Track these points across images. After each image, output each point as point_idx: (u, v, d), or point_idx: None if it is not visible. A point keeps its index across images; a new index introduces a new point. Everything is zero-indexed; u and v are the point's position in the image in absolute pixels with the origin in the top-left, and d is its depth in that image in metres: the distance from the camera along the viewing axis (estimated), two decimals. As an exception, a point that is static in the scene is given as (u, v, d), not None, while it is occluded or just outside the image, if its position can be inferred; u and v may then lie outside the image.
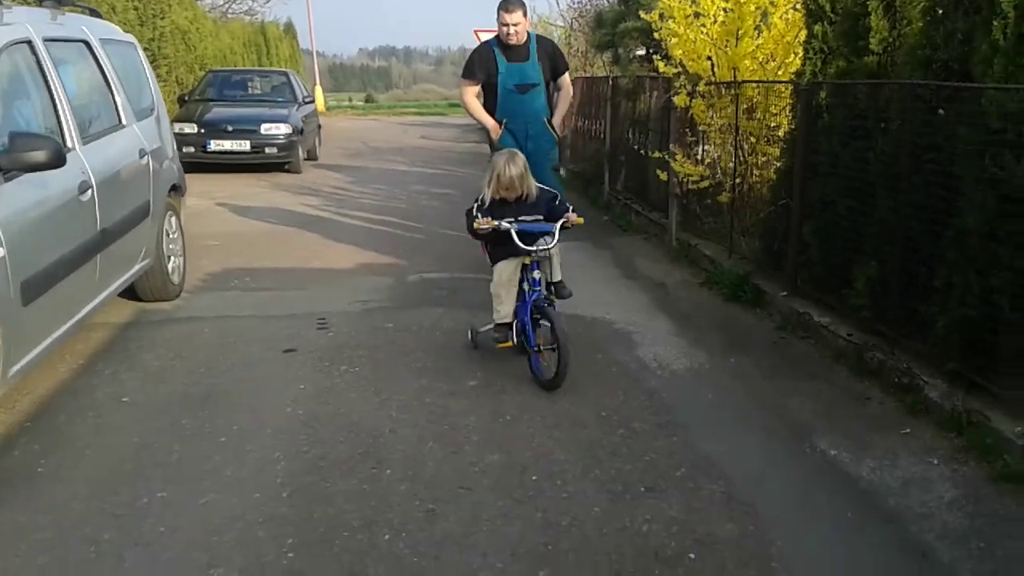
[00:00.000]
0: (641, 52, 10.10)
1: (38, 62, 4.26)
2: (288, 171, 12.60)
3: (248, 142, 12.32)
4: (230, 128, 12.35)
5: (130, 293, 5.44)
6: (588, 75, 11.98)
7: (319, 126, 15.40)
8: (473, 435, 3.67)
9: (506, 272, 4.30)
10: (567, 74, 6.28)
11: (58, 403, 4.03)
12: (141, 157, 5.26)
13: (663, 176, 7.13)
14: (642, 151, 7.97)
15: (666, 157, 6.95)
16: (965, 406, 3.55)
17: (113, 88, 5.22)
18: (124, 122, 5.23)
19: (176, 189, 6.01)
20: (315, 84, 27.57)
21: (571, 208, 4.33)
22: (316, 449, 3.54)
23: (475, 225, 4.23)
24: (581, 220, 4.30)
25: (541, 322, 4.20)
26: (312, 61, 31.74)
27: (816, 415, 3.83)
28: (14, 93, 4.03)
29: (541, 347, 4.17)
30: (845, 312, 4.64)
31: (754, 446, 3.57)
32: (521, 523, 2.96)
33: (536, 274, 4.25)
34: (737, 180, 6.28)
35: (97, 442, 3.62)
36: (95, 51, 5.14)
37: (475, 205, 4.34)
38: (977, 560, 2.72)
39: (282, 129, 12.56)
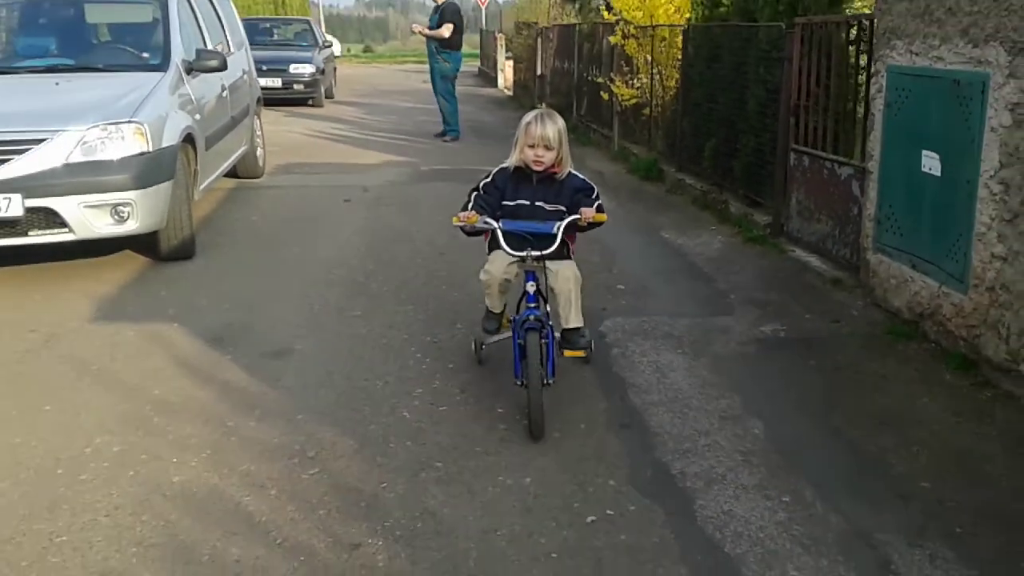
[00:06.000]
0: (602, 2, 12.55)
1: (191, 6, 6.81)
2: (312, 105, 15.07)
3: (280, 79, 14.76)
4: (264, 67, 14.67)
5: (231, 173, 8.02)
6: (563, 23, 14.43)
7: (335, 68, 17.82)
8: (465, 231, 6.31)
9: (496, 264, 3.43)
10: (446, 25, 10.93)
11: (212, 220, 6.67)
12: (243, 75, 7.82)
13: (606, 97, 9.68)
14: (596, 81, 10.48)
15: (607, 83, 9.51)
16: (744, 212, 6.20)
17: (224, 24, 7.76)
18: (232, 50, 7.77)
19: (259, 101, 8.57)
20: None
21: (598, 204, 3.46)
22: (375, 236, 6.19)
23: (453, 220, 3.40)
24: (603, 217, 3.43)
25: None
26: (317, 12, 33.97)
27: (667, 224, 6.50)
28: (185, 27, 6.57)
29: (524, 382, 3.29)
30: (703, 175, 7.26)
31: (625, 236, 6.23)
32: (490, 258, 5.62)
33: (530, 286, 3.36)
34: (656, 98, 8.84)
35: (247, 232, 6.28)
36: None
37: (481, 182, 3.56)
38: (717, 265, 5.41)
39: (307, 68, 14.99)
